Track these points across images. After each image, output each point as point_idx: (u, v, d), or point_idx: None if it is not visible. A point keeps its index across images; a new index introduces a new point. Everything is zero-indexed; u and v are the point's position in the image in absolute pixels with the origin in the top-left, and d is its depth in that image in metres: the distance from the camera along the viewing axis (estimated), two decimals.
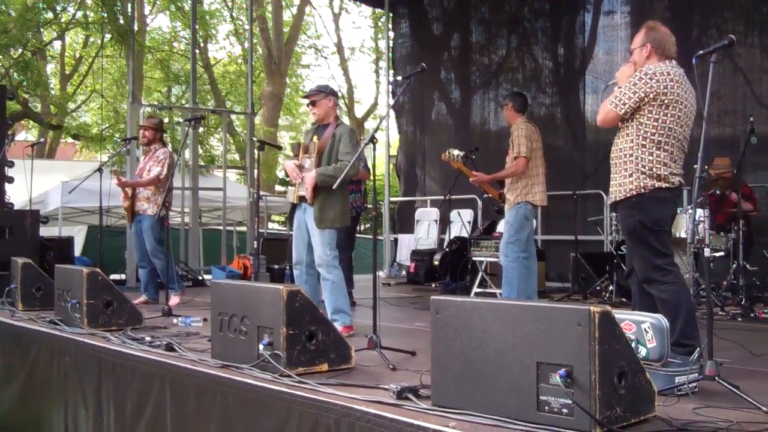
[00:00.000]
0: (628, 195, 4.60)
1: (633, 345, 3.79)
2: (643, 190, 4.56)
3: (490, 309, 3.38)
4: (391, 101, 14.98)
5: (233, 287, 4.90)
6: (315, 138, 6.26)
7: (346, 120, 28.59)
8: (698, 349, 4.36)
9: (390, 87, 15.02)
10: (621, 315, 3.98)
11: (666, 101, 4.54)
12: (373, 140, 5.43)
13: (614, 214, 9.40)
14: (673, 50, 4.78)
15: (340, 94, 29.09)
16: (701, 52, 4.28)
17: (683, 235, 8.58)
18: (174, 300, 7.96)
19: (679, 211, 8.80)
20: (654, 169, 4.55)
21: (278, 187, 25.84)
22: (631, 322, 4.07)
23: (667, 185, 4.60)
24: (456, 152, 7.44)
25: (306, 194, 6.08)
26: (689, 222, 8.41)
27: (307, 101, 6.49)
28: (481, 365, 3.33)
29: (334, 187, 5.61)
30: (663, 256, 4.62)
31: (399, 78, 5.56)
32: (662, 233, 4.70)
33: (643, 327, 4.08)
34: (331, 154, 6.11)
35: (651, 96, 4.51)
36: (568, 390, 3.01)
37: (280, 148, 11.04)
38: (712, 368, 3.91)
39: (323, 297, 6.18)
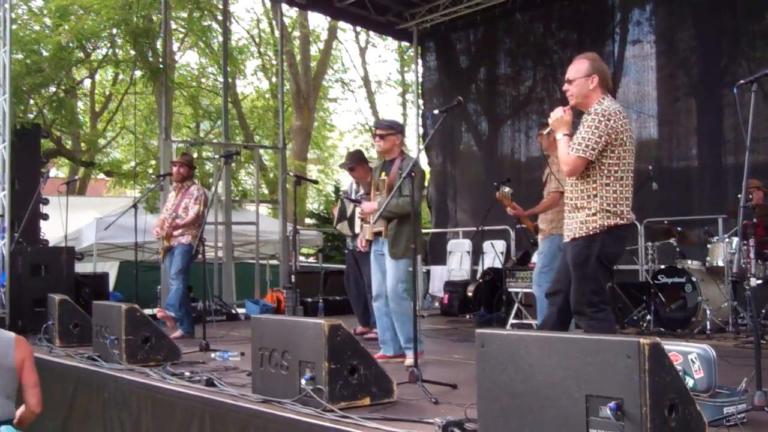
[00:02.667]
0: (591, 233, 4.59)
1: (680, 375, 3.75)
2: (605, 228, 4.57)
3: (536, 342, 3.35)
4: (421, 132, 15.01)
5: (274, 322, 4.91)
6: (383, 174, 6.47)
7: (373, 153, 28.73)
8: (746, 379, 4.30)
9: (421, 120, 15.08)
10: (667, 346, 3.94)
11: (624, 138, 4.58)
12: (411, 175, 5.45)
13: (650, 243, 9.35)
14: (611, 84, 4.84)
15: (368, 127, 29.30)
16: (743, 81, 4.25)
17: (720, 264, 8.53)
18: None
19: (715, 240, 8.76)
20: (618, 206, 4.58)
21: (308, 220, 25.93)
22: (678, 353, 4.02)
23: (624, 222, 4.63)
24: (507, 189, 7.49)
25: (364, 215, 6.43)
26: (727, 250, 8.37)
27: (374, 132, 6.74)
28: (529, 399, 3.30)
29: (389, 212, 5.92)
30: (600, 293, 4.67)
31: (436, 112, 5.61)
32: (608, 270, 4.79)
33: (689, 358, 4.03)
34: (401, 189, 6.21)
35: (612, 137, 4.52)
36: (619, 423, 2.97)
37: (316, 182, 11.10)
38: (761, 398, 3.86)
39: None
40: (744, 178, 4.17)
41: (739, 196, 4.07)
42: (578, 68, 4.75)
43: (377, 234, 6.40)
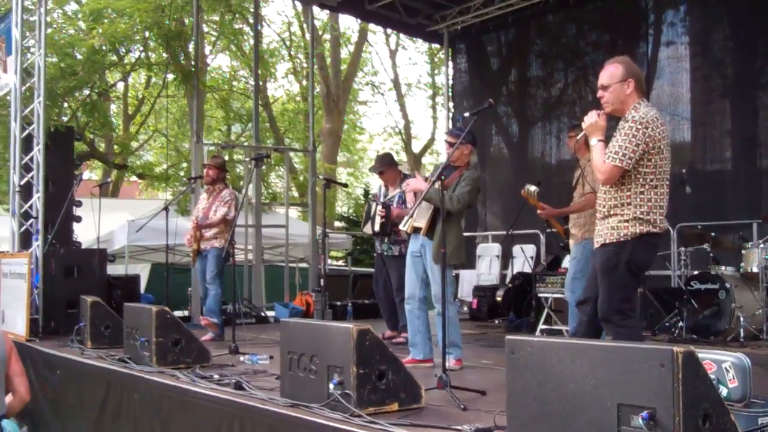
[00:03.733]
0: (622, 239, 4.48)
1: (714, 384, 3.69)
2: (637, 235, 4.47)
3: (567, 349, 3.31)
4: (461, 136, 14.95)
5: (302, 326, 4.90)
6: (443, 175, 6.21)
7: (403, 156, 28.71)
8: None
9: (449, 122, 15.03)
10: (701, 354, 3.87)
11: (660, 147, 4.45)
12: (440, 178, 5.42)
13: (683, 249, 9.24)
14: (645, 87, 4.67)
15: (397, 130, 29.29)
16: None
17: (755, 270, 8.40)
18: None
19: (750, 245, 8.63)
20: (651, 214, 4.47)
21: (337, 224, 25.97)
22: (712, 362, 3.96)
23: (657, 230, 4.52)
24: (533, 188, 7.39)
25: (409, 187, 6.35)
26: (762, 256, 8.25)
27: (445, 140, 6.68)
28: (559, 407, 3.26)
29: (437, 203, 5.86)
30: (629, 301, 4.58)
31: (466, 114, 5.59)
32: (637, 278, 4.69)
33: (724, 366, 3.97)
34: (443, 196, 6.15)
35: (650, 145, 4.40)
36: None
37: (345, 185, 11.12)
38: None
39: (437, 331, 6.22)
40: None
41: None
42: (612, 73, 4.60)
43: (417, 230, 6.32)
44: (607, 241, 4.54)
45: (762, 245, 8.37)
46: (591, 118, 4.60)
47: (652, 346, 3.10)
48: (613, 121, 4.69)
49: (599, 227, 4.66)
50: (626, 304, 4.55)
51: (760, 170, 10.50)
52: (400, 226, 6.62)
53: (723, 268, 8.69)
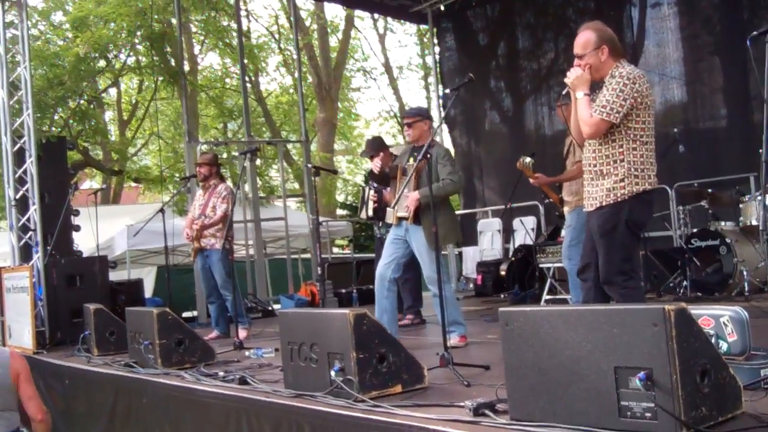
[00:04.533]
0: (619, 199, 4.47)
1: (713, 341, 3.67)
2: (634, 193, 4.46)
3: (560, 316, 3.30)
4: (443, 114, 14.92)
5: (300, 315, 4.89)
6: (411, 160, 6.42)
7: (400, 139, 28.65)
8: None
9: (440, 101, 14.98)
10: (698, 310, 3.87)
11: (648, 102, 4.46)
12: (426, 157, 5.39)
13: (681, 208, 9.21)
14: (621, 47, 4.67)
15: (392, 114, 29.23)
16: (756, 32, 4.15)
17: (755, 223, 8.37)
18: (242, 334, 7.98)
19: (747, 198, 8.60)
20: (645, 170, 4.47)
21: (339, 211, 25.94)
22: (709, 317, 3.94)
23: (652, 187, 4.52)
24: (528, 160, 7.38)
25: (408, 214, 6.23)
26: (760, 208, 8.20)
27: (403, 121, 6.72)
28: (557, 375, 3.25)
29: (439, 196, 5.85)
30: (629, 260, 4.54)
31: (447, 91, 5.59)
32: (636, 237, 4.68)
33: (722, 321, 3.95)
34: (431, 174, 6.14)
35: (638, 100, 4.40)
36: (650, 393, 2.91)
37: (335, 172, 11.10)
38: None
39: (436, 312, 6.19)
40: (764, 133, 4.06)
41: (761, 151, 3.96)
42: (585, 41, 4.58)
43: (401, 219, 6.34)
44: (604, 203, 4.52)
45: (760, 197, 8.33)
46: (576, 72, 4.58)
47: (643, 306, 3.10)
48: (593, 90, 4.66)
49: (591, 188, 4.63)
50: (628, 264, 4.53)
51: (753, 124, 10.42)
52: (386, 220, 6.62)
53: (722, 223, 8.67)
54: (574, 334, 3.20)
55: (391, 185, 6.69)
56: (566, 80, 4.64)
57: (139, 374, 6.20)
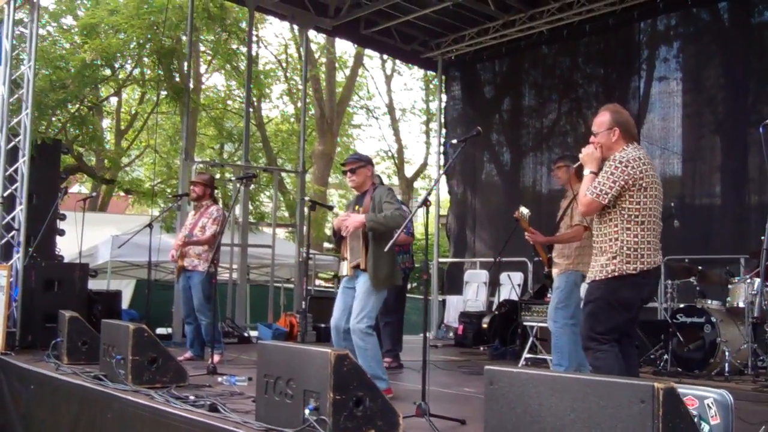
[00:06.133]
0: (609, 276, 4.62)
1: (696, 421, 3.61)
2: (623, 273, 4.59)
3: (546, 382, 3.24)
4: (442, 161, 14.96)
5: (280, 349, 4.80)
6: (357, 207, 6.40)
7: (395, 180, 28.70)
8: (764, 426, 4.16)
9: (442, 148, 15.02)
10: (683, 390, 3.82)
11: (644, 184, 4.62)
12: (426, 203, 5.34)
13: (670, 282, 9.21)
14: (635, 131, 4.89)
15: (390, 154, 29.29)
16: None
17: (741, 305, 8.37)
18: (216, 358, 7.85)
19: (736, 280, 8.60)
20: (639, 249, 4.60)
21: (326, 245, 25.86)
22: (694, 397, 3.89)
23: (647, 267, 4.62)
24: (526, 211, 7.37)
25: (348, 229, 6.11)
26: (749, 291, 8.21)
27: (344, 168, 6.56)
28: None
29: (386, 249, 5.59)
30: (604, 332, 4.61)
31: (454, 141, 5.55)
32: (616, 312, 4.68)
33: (706, 403, 3.90)
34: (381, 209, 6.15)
35: (630, 183, 4.58)
36: None
37: (331, 207, 11.04)
38: None
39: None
40: None
41: (763, 237, 3.95)
42: (601, 121, 4.84)
43: (356, 268, 6.23)
44: (596, 278, 4.69)
45: (749, 280, 8.34)
46: (588, 149, 4.82)
47: (632, 381, 3.04)
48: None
49: (593, 263, 4.81)
50: (599, 334, 4.61)
51: (748, 206, 10.49)
52: (340, 273, 6.53)
53: (709, 302, 8.67)
54: (559, 401, 3.15)
55: (343, 239, 6.42)
56: (580, 155, 4.87)
57: (107, 388, 6.08)
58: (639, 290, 4.74)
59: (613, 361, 4.65)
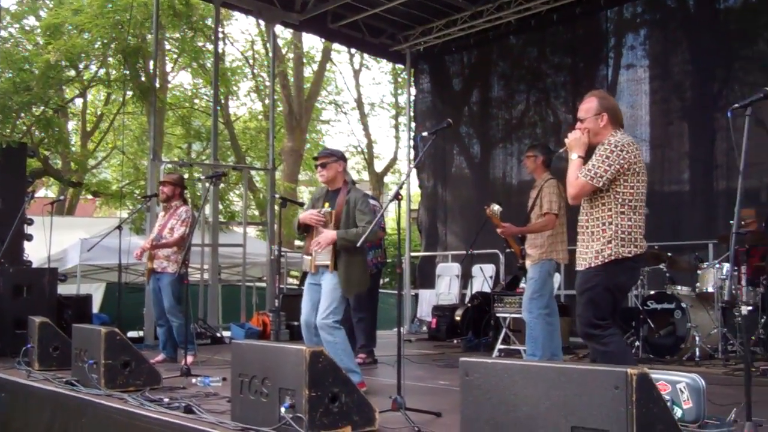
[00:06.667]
0: (606, 261, 4.62)
1: (669, 405, 3.65)
2: (620, 256, 4.60)
3: (521, 371, 3.25)
4: (412, 155, 14.96)
5: (254, 348, 4.78)
6: (327, 205, 6.29)
7: (365, 175, 28.68)
8: (735, 409, 4.21)
9: (412, 142, 15.01)
10: (656, 375, 3.85)
11: (637, 169, 4.66)
12: (397, 197, 5.31)
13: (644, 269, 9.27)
14: (621, 118, 4.91)
15: (360, 149, 29.26)
16: (737, 105, 4.26)
17: (710, 290, 8.45)
18: (189, 359, 7.79)
19: (705, 265, 8.68)
20: (633, 234, 4.64)
21: (297, 242, 25.78)
22: (666, 383, 3.94)
23: (640, 251, 4.68)
24: (497, 207, 7.39)
25: (321, 246, 6.06)
26: (717, 276, 8.30)
27: (316, 162, 6.50)
28: (513, 430, 3.19)
29: (358, 244, 5.59)
30: (604, 318, 4.65)
31: (425, 134, 5.53)
32: (614, 297, 4.76)
33: (678, 387, 3.95)
34: (348, 221, 6.10)
35: (625, 167, 4.60)
36: None
37: (301, 204, 10.95)
38: (751, 429, 3.78)
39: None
40: (737, 204, 4.13)
41: (731, 222, 3.99)
42: (588, 107, 4.84)
43: (319, 267, 6.19)
44: (592, 265, 4.67)
45: (717, 266, 8.43)
46: (575, 134, 4.81)
47: (606, 368, 3.06)
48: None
49: (583, 249, 4.78)
50: (602, 320, 4.62)
51: (716, 191, 10.58)
52: (304, 268, 6.48)
53: (679, 287, 8.75)
54: (534, 390, 3.16)
55: (309, 232, 6.39)
56: (565, 140, 4.85)
57: (81, 393, 6.01)
58: (633, 274, 4.85)
59: (624, 344, 4.76)
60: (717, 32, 10.93)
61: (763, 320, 7.94)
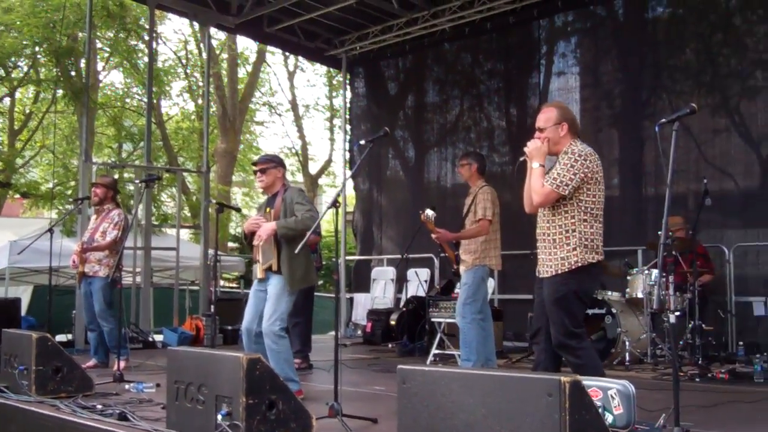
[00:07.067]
0: (572, 268, 4.73)
1: (600, 412, 3.74)
2: (584, 263, 4.73)
3: (458, 379, 3.31)
4: (348, 158, 14.96)
5: (190, 354, 4.75)
6: (268, 209, 6.34)
7: (299, 177, 28.59)
8: (664, 415, 4.33)
9: (347, 145, 15.02)
10: (588, 382, 3.94)
11: (598, 178, 4.81)
12: (335, 205, 5.34)
13: None
14: (579, 127, 5.06)
15: (294, 151, 29.16)
16: (664, 120, 4.42)
17: (639, 296, 8.66)
18: (122, 365, 7.69)
19: (635, 271, 8.89)
20: (595, 241, 4.79)
21: (231, 244, 25.59)
22: (598, 389, 4.03)
23: (601, 258, 4.83)
24: (431, 213, 7.47)
25: (261, 239, 6.07)
26: (647, 282, 8.51)
27: (255, 167, 6.49)
28: None
29: (297, 250, 5.60)
30: (579, 325, 4.80)
31: (362, 142, 5.59)
32: (584, 304, 4.95)
33: (609, 393, 4.05)
34: (287, 216, 6.12)
35: (589, 176, 4.75)
36: None
37: (238, 210, 10.91)
38: None
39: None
40: (665, 214, 4.27)
41: (659, 232, 4.12)
42: (548, 117, 4.94)
43: (268, 270, 6.21)
44: (558, 272, 4.76)
45: (646, 272, 8.64)
46: (535, 144, 4.89)
47: (539, 376, 3.14)
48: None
49: (546, 257, 4.87)
50: (579, 328, 4.77)
51: (645, 198, 10.83)
52: (254, 277, 6.49)
53: (609, 293, 8.92)
54: (470, 398, 3.22)
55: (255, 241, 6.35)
56: (525, 149, 4.92)
57: (10, 400, 5.89)
58: (596, 280, 5.02)
59: (595, 356, 4.85)
60: (645, 41, 11.18)
61: (690, 325, 8.16)
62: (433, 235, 7.55)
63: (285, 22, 13.32)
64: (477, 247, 7.32)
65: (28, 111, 23.56)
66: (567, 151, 4.80)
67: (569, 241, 4.73)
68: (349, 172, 14.93)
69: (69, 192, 19.11)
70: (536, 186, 4.80)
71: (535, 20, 12.32)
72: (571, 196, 4.73)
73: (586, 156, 4.74)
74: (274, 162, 6.44)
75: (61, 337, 10.94)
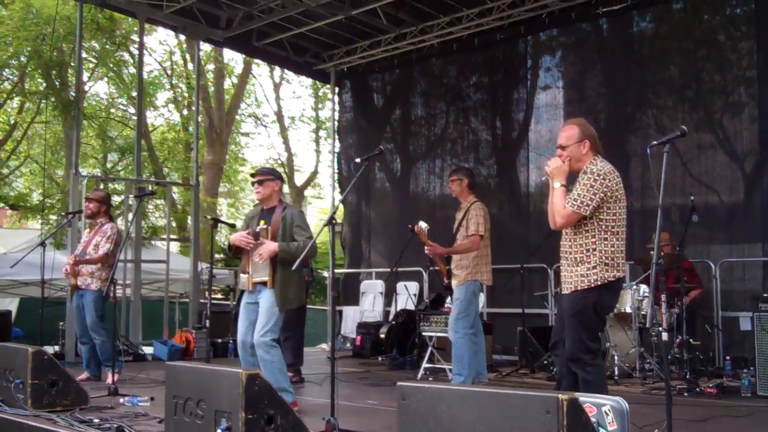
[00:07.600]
0: (592, 285, 4.77)
1: (595, 428, 3.82)
2: (603, 281, 4.77)
3: (457, 396, 3.38)
4: (336, 170, 15.01)
5: (189, 370, 4.80)
6: (262, 222, 6.36)
7: (285, 189, 28.58)
8: (656, 430, 4.41)
9: (334, 156, 15.07)
10: (582, 398, 4.01)
11: (618, 196, 4.84)
12: (331, 222, 5.41)
13: (559, 288, 9.52)
14: (600, 144, 5.04)
15: (280, 163, 29.18)
16: (655, 143, 4.51)
17: (628, 311, 8.76)
18: (114, 378, 7.70)
19: (624, 286, 8.99)
20: (615, 259, 4.81)
21: (217, 256, 25.48)
22: (592, 405, 4.09)
23: (621, 275, 4.88)
24: (424, 225, 7.55)
25: (262, 258, 6.13)
26: (635, 297, 8.62)
27: (253, 179, 6.56)
28: None
29: (294, 267, 5.70)
30: (596, 340, 4.88)
31: (357, 160, 5.65)
32: (601, 319, 5.01)
33: (603, 410, 4.11)
34: (285, 238, 6.20)
35: (608, 195, 4.78)
36: None
37: (233, 225, 10.93)
38: None
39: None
40: (656, 234, 4.35)
41: (652, 252, 4.21)
42: (569, 135, 4.95)
43: (256, 284, 6.29)
44: (578, 288, 4.81)
45: (635, 287, 8.75)
46: (556, 162, 4.92)
47: (537, 393, 3.21)
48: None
49: (567, 274, 4.92)
50: (595, 343, 4.83)
51: (631, 213, 10.89)
52: (240, 286, 6.55)
53: None
54: (469, 414, 3.29)
55: (244, 251, 6.43)
56: (546, 168, 4.97)
57: (6, 414, 5.90)
58: (615, 296, 5.04)
59: (603, 375, 4.93)
60: (630, 56, 11.30)
61: (678, 340, 8.27)
62: (426, 248, 7.62)
63: (274, 36, 13.39)
64: (469, 262, 7.41)
65: (12, 121, 23.46)
66: (586, 170, 4.83)
67: (590, 260, 4.78)
68: (338, 188, 14.96)
69: (59, 205, 19.01)
70: (558, 207, 4.86)
71: (523, 37, 12.45)
72: (591, 215, 4.77)
73: (605, 175, 4.77)
74: (273, 175, 6.55)
75: (49, 349, 10.94)
